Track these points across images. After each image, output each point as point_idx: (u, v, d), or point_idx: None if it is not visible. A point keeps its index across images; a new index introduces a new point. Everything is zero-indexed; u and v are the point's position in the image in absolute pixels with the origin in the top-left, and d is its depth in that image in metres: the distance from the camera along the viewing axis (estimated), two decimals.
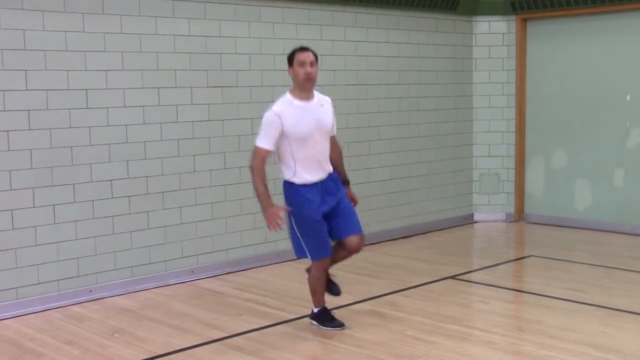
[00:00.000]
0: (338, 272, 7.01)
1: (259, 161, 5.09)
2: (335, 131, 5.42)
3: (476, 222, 9.53)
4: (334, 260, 5.42)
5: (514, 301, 6.32)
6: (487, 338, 5.16)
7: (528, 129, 9.40)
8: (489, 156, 9.51)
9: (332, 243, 5.32)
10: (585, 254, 7.77)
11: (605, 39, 8.69)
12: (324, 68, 7.70)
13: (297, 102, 5.12)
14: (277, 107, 5.10)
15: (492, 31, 9.36)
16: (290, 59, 5.15)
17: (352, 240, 5.27)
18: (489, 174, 9.53)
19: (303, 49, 5.16)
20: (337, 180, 5.33)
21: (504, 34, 9.33)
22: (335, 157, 5.40)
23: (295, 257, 5.47)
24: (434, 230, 9.02)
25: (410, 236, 8.72)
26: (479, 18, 9.34)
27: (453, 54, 9.16)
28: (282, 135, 5.07)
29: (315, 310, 5.46)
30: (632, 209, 8.61)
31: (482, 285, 6.65)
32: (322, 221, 5.17)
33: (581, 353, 4.82)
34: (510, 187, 9.49)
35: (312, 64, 5.09)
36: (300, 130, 5.06)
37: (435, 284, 6.62)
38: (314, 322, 5.46)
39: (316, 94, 5.26)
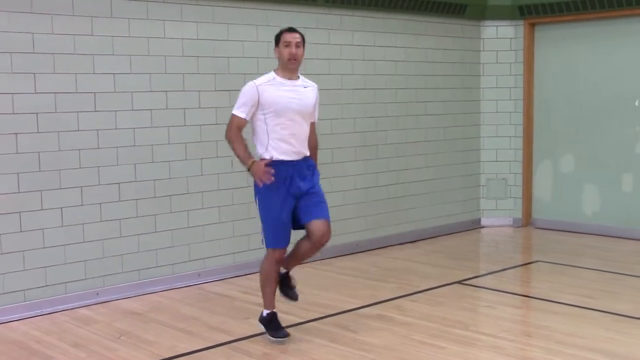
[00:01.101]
0: (344, 275, 7.03)
1: (235, 130, 5.04)
2: (316, 118, 5.33)
3: (483, 227, 9.52)
4: (298, 256, 5.27)
5: (521, 306, 6.30)
6: (494, 343, 5.15)
7: (536, 133, 9.39)
8: (497, 161, 9.49)
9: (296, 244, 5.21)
10: (593, 259, 7.74)
11: (613, 43, 8.67)
12: (332, 72, 7.73)
13: (279, 79, 5.08)
14: (257, 80, 5.07)
15: (500, 36, 9.35)
16: (277, 39, 5.12)
17: (317, 224, 5.06)
18: (496, 179, 9.52)
19: (290, 29, 5.14)
20: (313, 167, 5.21)
21: (511, 38, 9.32)
22: (311, 145, 5.26)
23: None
24: (441, 234, 9.00)
25: (417, 241, 8.71)
26: (486, 23, 9.34)
27: (461, 58, 9.15)
28: (258, 108, 5.01)
29: (264, 313, 5.29)
30: None
31: (489, 290, 6.64)
32: (286, 207, 5.05)
33: (588, 359, 4.81)
34: (517, 191, 9.47)
35: (297, 45, 5.07)
36: (279, 102, 4.99)
37: (442, 288, 6.61)
38: (261, 325, 5.31)
39: (303, 77, 5.22)
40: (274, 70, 5.15)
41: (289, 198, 5.07)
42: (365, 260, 7.71)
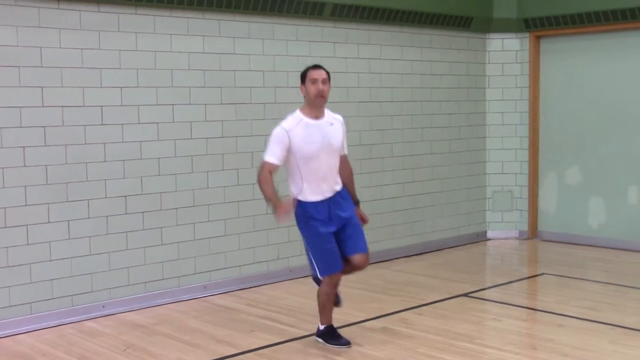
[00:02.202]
0: (349, 288, 7.02)
1: (267, 174, 5.12)
2: (346, 150, 5.45)
3: (489, 239, 9.51)
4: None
5: (527, 319, 6.29)
6: (500, 356, 5.14)
7: (541, 146, 9.39)
8: (502, 173, 9.50)
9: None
10: (599, 272, 7.73)
11: (619, 56, 8.68)
12: (337, 85, 7.74)
13: (306, 120, 5.15)
14: (286, 123, 5.14)
15: (506, 48, 9.38)
16: (303, 76, 5.20)
17: (356, 258, 5.30)
18: (502, 191, 9.52)
19: (316, 66, 5.21)
20: (347, 197, 5.36)
21: (517, 51, 9.35)
22: (346, 176, 5.42)
23: (310, 273, 5.51)
24: (447, 247, 9.00)
25: (423, 253, 8.71)
26: (492, 35, 9.36)
27: (466, 71, 9.18)
28: (290, 152, 5.10)
29: (322, 327, 5.45)
30: None
31: (495, 303, 6.63)
32: (330, 236, 5.19)
33: None
34: (523, 204, 9.47)
35: (324, 82, 5.13)
36: (308, 148, 5.10)
37: (448, 301, 6.61)
38: (320, 339, 5.45)
39: (327, 112, 5.30)
40: (300, 110, 5.22)
41: (331, 227, 5.21)
42: (371, 273, 7.70)
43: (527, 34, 9.26)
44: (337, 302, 5.54)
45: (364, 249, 5.33)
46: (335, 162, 5.28)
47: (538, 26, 9.06)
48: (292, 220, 5.25)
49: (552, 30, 9.02)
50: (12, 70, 5.79)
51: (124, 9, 6.30)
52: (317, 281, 5.43)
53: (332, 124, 5.26)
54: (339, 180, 5.33)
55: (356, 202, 5.49)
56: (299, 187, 5.19)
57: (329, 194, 5.22)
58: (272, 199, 5.09)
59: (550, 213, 9.38)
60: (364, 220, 5.47)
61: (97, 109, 6.22)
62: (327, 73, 5.20)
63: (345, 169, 5.42)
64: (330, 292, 5.34)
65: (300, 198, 5.19)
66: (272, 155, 5.11)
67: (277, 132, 5.12)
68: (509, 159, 9.47)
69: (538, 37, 9.28)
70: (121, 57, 6.33)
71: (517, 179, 9.47)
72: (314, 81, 5.12)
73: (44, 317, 6.01)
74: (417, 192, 8.73)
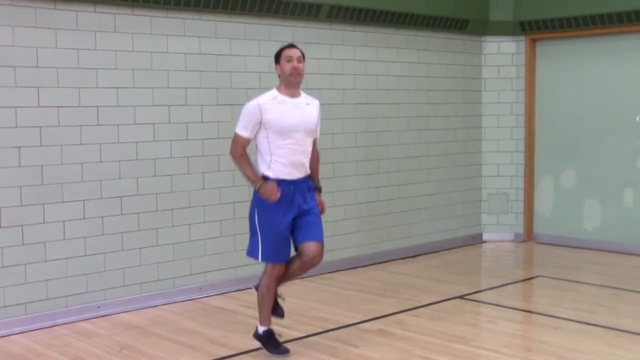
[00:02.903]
0: (345, 290, 7.02)
1: (239, 148, 5.06)
2: (318, 135, 5.34)
3: (485, 241, 9.52)
4: (287, 274, 5.22)
5: (523, 321, 6.29)
6: (496, 358, 5.14)
7: (537, 149, 9.41)
8: (498, 176, 9.51)
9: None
10: (594, 274, 7.74)
11: (615, 59, 8.70)
12: (334, 87, 7.76)
13: (281, 97, 5.08)
14: (260, 97, 5.07)
15: (502, 51, 9.39)
16: (278, 55, 5.13)
17: (310, 247, 5.07)
18: (497, 194, 9.53)
19: (290, 45, 5.16)
20: (312, 189, 5.22)
21: (513, 54, 9.36)
22: (312, 160, 5.28)
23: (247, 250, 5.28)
24: (442, 249, 9.00)
25: (419, 255, 8.71)
26: (488, 38, 9.38)
27: (462, 73, 9.19)
28: (261, 127, 5.02)
29: (260, 330, 5.24)
30: None
31: (490, 305, 6.64)
32: (286, 223, 5.05)
33: None
34: (519, 207, 9.48)
35: (299, 60, 5.08)
36: (282, 122, 4.99)
37: (443, 303, 6.60)
38: (258, 342, 5.28)
39: (304, 94, 5.24)
40: (276, 88, 5.15)
41: (289, 214, 5.06)
42: (366, 275, 7.70)
43: (523, 37, 9.28)
44: (279, 312, 5.37)
45: (319, 237, 5.11)
46: (308, 145, 5.15)
47: (534, 29, 9.08)
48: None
49: (548, 33, 9.03)
50: (8, 70, 5.77)
51: (120, 9, 6.30)
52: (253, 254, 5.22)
53: (308, 104, 5.18)
54: (308, 166, 5.19)
55: (318, 189, 5.34)
56: (267, 162, 5.05)
57: (297, 175, 5.07)
58: (256, 179, 5.00)
59: (545, 216, 9.39)
60: (320, 205, 5.30)
61: (93, 109, 6.21)
62: (302, 53, 5.15)
63: (313, 153, 5.28)
64: (270, 284, 5.15)
65: (269, 174, 5.03)
66: (243, 129, 5.03)
67: (249, 105, 5.04)
68: (505, 162, 9.48)
69: (534, 40, 9.30)
70: (117, 58, 6.32)
71: (512, 181, 9.48)
72: (289, 59, 5.06)
73: (39, 317, 5.99)
74: (413, 194, 8.73)
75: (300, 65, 5.09)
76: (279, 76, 5.15)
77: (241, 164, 5.08)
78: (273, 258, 5.09)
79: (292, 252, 5.21)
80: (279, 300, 5.40)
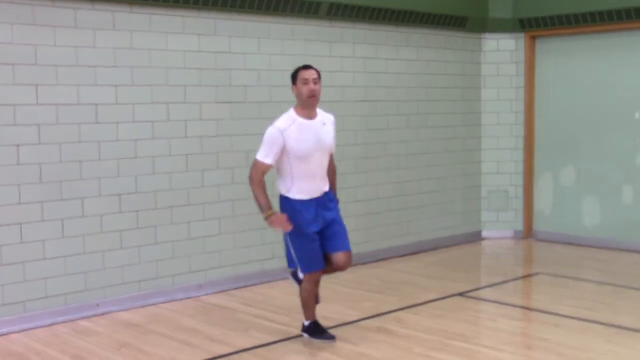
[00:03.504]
0: (344, 287, 7.02)
1: (259, 174, 5.16)
2: (334, 149, 5.44)
3: (484, 239, 9.51)
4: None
5: (522, 319, 6.29)
6: (495, 356, 5.14)
7: (536, 146, 9.40)
8: (498, 173, 9.50)
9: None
10: (594, 271, 7.74)
11: (614, 56, 8.69)
12: (333, 84, 7.75)
13: (300, 120, 5.16)
14: (280, 123, 5.14)
15: (501, 48, 9.38)
16: (294, 76, 5.21)
17: (338, 257, 5.34)
18: (497, 191, 9.52)
19: (306, 66, 5.22)
20: (333, 199, 5.41)
21: (512, 51, 9.35)
22: (329, 173, 5.44)
23: (289, 267, 5.56)
24: (442, 246, 9.00)
25: (418, 253, 8.71)
26: (487, 35, 9.36)
27: (462, 70, 9.18)
28: (283, 152, 5.11)
29: (306, 323, 5.53)
30: None
31: (490, 303, 6.63)
32: (314, 235, 5.24)
33: None
34: (518, 204, 9.48)
35: (315, 82, 5.14)
36: (302, 148, 5.11)
37: (443, 300, 6.60)
38: (305, 334, 5.51)
39: (319, 111, 5.31)
40: (293, 109, 5.23)
41: (316, 225, 5.24)
42: (366, 273, 7.70)
43: (522, 34, 9.26)
44: (316, 300, 5.58)
45: (346, 247, 5.37)
46: (326, 162, 5.32)
47: (533, 26, 9.07)
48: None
49: (547, 30, 9.02)
50: (7, 67, 5.76)
51: (119, 7, 6.28)
52: (295, 276, 5.49)
53: (324, 124, 5.29)
54: (327, 181, 5.36)
55: (337, 201, 5.53)
56: (288, 185, 5.22)
57: (316, 194, 5.25)
58: (265, 209, 5.13)
59: (545, 213, 9.39)
60: None
61: (91, 107, 6.20)
62: (318, 72, 5.21)
63: (329, 166, 5.43)
64: (311, 289, 5.39)
65: (289, 195, 5.21)
66: (266, 156, 5.13)
67: (272, 132, 5.12)
68: (504, 159, 9.47)
69: (533, 37, 9.29)
70: (116, 55, 6.31)
71: (512, 178, 9.47)
72: (305, 81, 5.13)
73: (38, 316, 5.99)
74: (413, 192, 8.72)
75: (317, 87, 5.17)
76: (295, 96, 5.22)
77: (257, 191, 5.18)
78: (310, 268, 5.31)
79: None
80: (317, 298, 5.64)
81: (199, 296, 6.83)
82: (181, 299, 6.72)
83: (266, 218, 5.15)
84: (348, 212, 8.01)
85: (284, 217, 5.15)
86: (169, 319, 6.15)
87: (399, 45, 8.46)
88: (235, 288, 7.08)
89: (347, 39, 7.95)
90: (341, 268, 5.42)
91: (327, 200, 5.32)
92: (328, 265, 5.40)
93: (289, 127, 5.11)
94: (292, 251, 5.31)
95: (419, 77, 8.70)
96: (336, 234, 5.34)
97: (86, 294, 6.25)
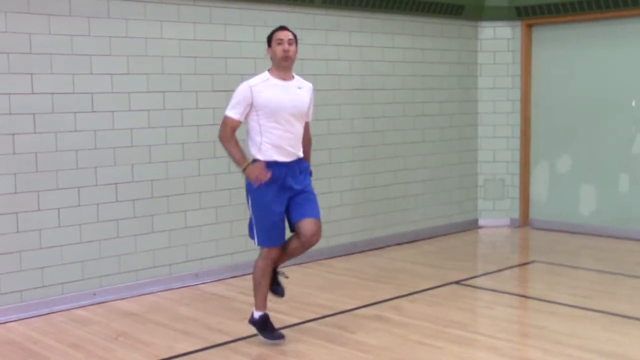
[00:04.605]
0: (342, 276, 7.02)
1: (229, 130, 5.02)
2: (310, 118, 5.31)
3: (481, 227, 9.52)
4: (287, 253, 5.22)
5: (519, 307, 6.30)
6: (492, 343, 5.15)
7: (533, 134, 9.40)
8: (494, 161, 9.50)
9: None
10: (590, 259, 7.76)
11: (611, 44, 8.69)
12: (329, 73, 7.73)
13: (273, 80, 5.06)
14: (251, 80, 5.05)
15: (497, 37, 9.36)
16: (269, 38, 5.11)
17: (307, 224, 5.05)
18: (493, 180, 9.52)
19: (281, 27, 5.13)
20: (306, 170, 5.21)
21: (509, 39, 9.33)
22: (304, 144, 5.25)
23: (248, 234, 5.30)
24: (438, 235, 9.01)
25: (415, 241, 8.71)
26: (484, 24, 9.35)
27: (458, 59, 9.16)
28: (252, 109, 5.00)
29: (256, 315, 5.23)
30: (636, 214, 8.59)
31: (486, 291, 6.64)
32: (278, 207, 5.04)
33: (586, 359, 4.81)
34: (515, 192, 9.48)
35: (290, 42, 5.05)
36: (271, 104, 4.97)
37: (439, 289, 6.61)
38: (253, 327, 5.28)
39: (298, 77, 5.21)
40: (268, 71, 5.13)
41: (282, 197, 5.06)
42: (363, 261, 7.71)
43: (519, 22, 9.25)
44: (279, 291, 5.38)
45: (315, 214, 5.09)
46: (299, 128, 5.12)
47: (530, 14, 9.05)
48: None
49: (544, 18, 9.00)
50: (1, 56, 5.74)
51: None
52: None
53: (300, 87, 5.15)
54: (301, 148, 5.17)
55: (309, 173, 5.31)
56: (258, 145, 5.03)
57: (289, 158, 5.05)
58: (241, 160, 4.97)
59: (541, 201, 9.40)
60: None
61: (87, 96, 6.18)
62: (294, 35, 5.12)
63: (305, 136, 5.25)
64: (266, 268, 5.15)
65: (259, 156, 5.02)
66: (234, 111, 5.00)
67: (240, 87, 5.02)
68: (501, 147, 9.48)
69: (530, 26, 9.27)
70: (111, 44, 6.29)
71: (508, 167, 9.48)
72: (280, 41, 5.04)
73: (35, 305, 5.98)
74: (409, 180, 8.72)
75: (292, 47, 5.06)
76: (271, 59, 5.12)
77: (229, 146, 5.03)
78: (267, 242, 5.10)
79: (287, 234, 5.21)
80: (280, 279, 5.39)
81: (195, 285, 6.83)
82: (178, 288, 6.72)
83: (243, 171, 4.96)
84: (344, 201, 8.02)
85: (260, 165, 4.90)
86: (166, 308, 6.15)
87: (394, 34, 8.44)
88: (232, 277, 7.08)
89: (343, 28, 7.93)
90: (310, 240, 5.07)
91: (298, 171, 5.11)
92: (295, 240, 5.15)
93: (259, 84, 5.00)
94: (252, 218, 5.10)
95: (415, 65, 8.68)
96: (304, 202, 5.08)
97: (83, 283, 6.24)
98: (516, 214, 9.51)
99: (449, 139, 9.15)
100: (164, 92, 6.62)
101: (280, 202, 5.05)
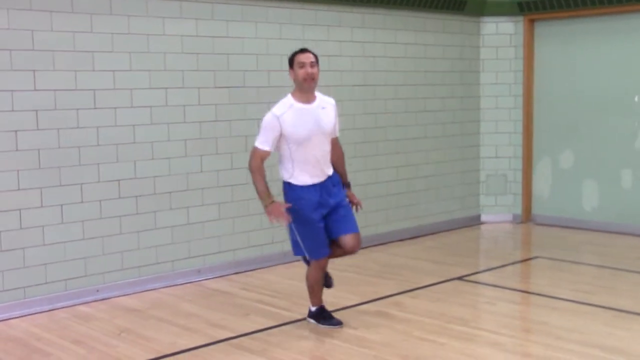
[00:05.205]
0: (344, 272, 7.03)
1: (258, 161, 5.13)
2: (337, 133, 5.43)
3: (483, 223, 9.52)
4: (331, 256, 5.43)
5: (521, 302, 6.31)
6: (494, 339, 5.16)
7: (535, 130, 9.39)
8: (496, 157, 9.50)
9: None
10: (592, 255, 7.76)
11: (613, 40, 8.67)
12: (331, 69, 7.72)
13: (297, 105, 5.13)
14: (277, 109, 5.12)
15: (500, 32, 9.35)
16: (291, 61, 5.17)
17: (347, 239, 5.29)
18: (496, 175, 9.52)
19: (303, 50, 5.18)
20: (338, 183, 5.37)
21: (511, 34, 9.32)
22: (337, 159, 5.42)
23: (294, 256, 5.55)
24: (441, 231, 9.01)
25: (417, 237, 8.71)
26: (486, 19, 9.33)
27: (460, 54, 9.15)
28: (281, 138, 5.09)
29: (313, 309, 5.51)
30: (639, 210, 8.58)
31: (489, 287, 6.65)
32: (319, 221, 5.21)
33: (587, 354, 4.81)
34: (517, 188, 9.48)
35: (312, 65, 5.10)
36: (299, 133, 5.08)
37: (442, 284, 6.61)
38: (312, 320, 5.50)
39: (319, 95, 5.27)
40: (291, 94, 5.19)
41: (321, 210, 5.21)
42: (365, 257, 7.70)
43: (521, 18, 9.23)
44: (329, 284, 5.57)
45: (354, 229, 5.33)
46: (327, 147, 5.26)
47: (532, 9, 9.04)
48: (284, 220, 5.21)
49: (546, 13, 8.99)
50: (4, 53, 5.74)
51: None
52: (306, 261, 5.46)
53: (323, 108, 5.24)
54: (330, 165, 5.33)
55: (347, 185, 5.51)
56: (290, 171, 5.19)
57: (320, 179, 5.21)
58: (264, 197, 5.11)
59: (544, 197, 9.39)
60: (355, 204, 5.47)
61: (89, 92, 6.18)
62: (315, 56, 5.18)
63: (336, 152, 5.41)
64: (317, 276, 5.37)
65: (292, 181, 5.19)
66: (264, 142, 5.10)
67: (268, 118, 5.10)
68: (503, 143, 9.47)
69: (532, 21, 9.26)
70: (113, 41, 6.29)
71: (510, 162, 9.47)
72: (302, 65, 5.09)
73: (38, 301, 5.99)
74: (411, 176, 8.72)
75: (314, 70, 5.12)
76: (293, 80, 5.18)
77: (257, 179, 5.15)
78: (317, 254, 5.28)
79: None
80: (328, 272, 5.56)
81: (198, 281, 6.84)
82: (181, 284, 6.73)
83: (265, 207, 5.12)
84: None
85: (281, 207, 5.10)
86: (168, 304, 6.16)
87: (397, 29, 8.43)
88: (235, 273, 7.09)
89: (345, 23, 7.92)
90: (351, 251, 5.37)
91: (331, 185, 5.28)
92: (338, 249, 5.38)
93: (285, 112, 5.09)
94: (298, 238, 5.27)
95: (417, 61, 8.68)
96: (342, 218, 5.29)
97: (86, 280, 6.25)
98: (519, 210, 9.50)
99: (451, 135, 9.15)
100: (166, 88, 6.62)
101: (319, 215, 5.22)
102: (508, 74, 9.36)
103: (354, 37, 8.02)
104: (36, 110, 5.92)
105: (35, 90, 5.90)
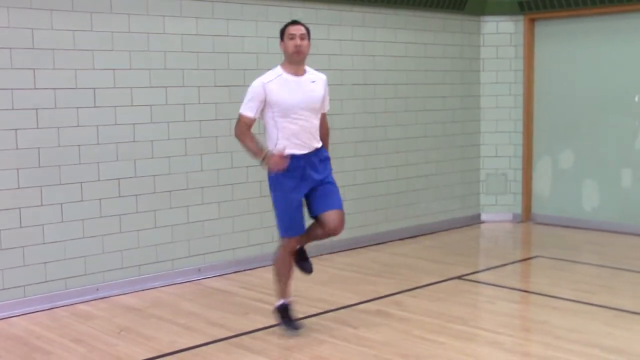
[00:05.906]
0: (344, 271, 7.03)
1: (243, 128, 5.06)
2: (327, 109, 5.34)
3: (483, 222, 9.52)
4: (310, 237, 5.29)
5: (521, 302, 6.31)
6: (494, 338, 5.16)
7: (535, 129, 9.39)
8: (496, 156, 9.50)
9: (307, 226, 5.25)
10: (593, 254, 7.76)
11: (614, 39, 8.67)
12: (331, 68, 7.72)
13: (286, 75, 5.07)
14: (264, 77, 5.07)
15: (500, 31, 9.35)
16: (282, 32, 5.12)
17: (329, 216, 5.12)
18: (496, 174, 9.52)
19: (294, 22, 5.14)
20: (326, 159, 5.24)
21: (511, 34, 9.32)
22: (322, 134, 5.28)
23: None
24: (441, 230, 9.01)
25: (417, 236, 8.71)
26: (486, 18, 9.33)
27: (460, 54, 9.15)
28: (266, 105, 5.02)
29: (277, 303, 5.36)
30: (639, 209, 8.58)
31: (488, 286, 6.65)
32: (297, 193, 5.09)
33: (587, 354, 4.81)
34: (517, 187, 9.48)
35: (302, 37, 5.05)
36: (285, 102, 5.00)
37: (442, 284, 6.61)
38: (278, 314, 5.37)
39: (310, 70, 5.22)
40: (281, 65, 5.14)
41: (302, 187, 5.10)
42: (365, 256, 7.71)
43: (521, 17, 9.23)
44: (307, 267, 5.41)
45: (338, 205, 5.16)
46: (314, 121, 5.15)
47: (532, 9, 9.04)
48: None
49: (546, 13, 8.99)
50: (4, 52, 5.74)
51: None
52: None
53: (313, 81, 5.17)
54: (318, 139, 5.20)
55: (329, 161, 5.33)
56: (274, 140, 5.07)
57: (306, 150, 5.09)
58: (258, 152, 5.01)
59: (544, 196, 9.39)
60: None
61: (89, 91, 6.18)
62: (307, 29, 5.12)
63: (322, 127, 5.29)
64: (285, 257, 5.23)
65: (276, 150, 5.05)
66: (248, 109, 5.03)
67: (254, 85, 5.04)
68: (503, 142, 9.47)
69: (532, 20, 9.25)
70: (114, 39, 6.28)
71: (511, 162, 9.47)
72: (292, 36, 5.04)
73: (38, 300, 5.99)
74: (411, 175, 8.72)
75: (304, 42, 5.06)
76: (283, 53, 5.13)
77: (245, 140, 5.07)
78: (286, 232, 5.15)
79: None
80: (307, 255, 5.42)
81: (198, 280, 6.84)
82: (181, 283, 6.73)
83: (262, 161, 4.99)
84: (347, 196, 8.00)
85: (278, 154, 4.91)
86: (168, 302, 6.16)
87: (397, 28, 8.43)
88: (235, 272, 7.09)
89: (346, 22, 7.92)
90: (334, 230, 5.14)
91: (318, 161, 5.15)
92: (319, 229, 5.22)
93: (272, 81, 5.02)
94: (275, 210, 5.15)
95: (417, 60, 8.67)
96: (326, 194, 5.13)
97: (86, 278, 6.25)
98: (519, 209, 9.50)
99: (451, 134, 9.15)
100: (166, 87, 6.62)
101: (300, 191, 5.10)
102: (508, 73, 9.36)
103: (354, 36, 8.02)
104: (36, 109, 5.92)
105: (35, 88, 5.90)
